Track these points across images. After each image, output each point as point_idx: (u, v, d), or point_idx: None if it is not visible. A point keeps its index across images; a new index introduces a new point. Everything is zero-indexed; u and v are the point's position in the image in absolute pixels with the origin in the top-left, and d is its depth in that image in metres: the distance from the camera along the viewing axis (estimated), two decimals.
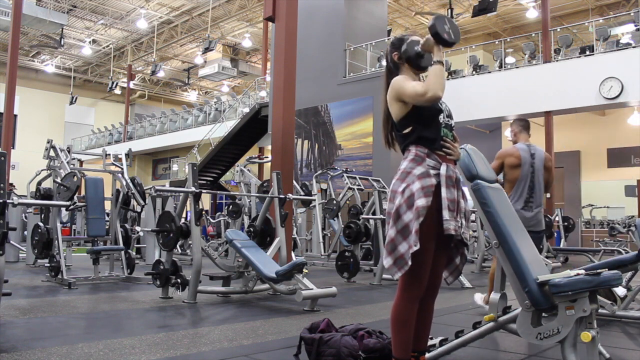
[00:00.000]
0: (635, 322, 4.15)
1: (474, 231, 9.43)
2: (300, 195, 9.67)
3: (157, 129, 25.08)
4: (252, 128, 18.37)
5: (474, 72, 14.70)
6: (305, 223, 11.78)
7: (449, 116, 2.34)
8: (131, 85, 28.28)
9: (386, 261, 2.17)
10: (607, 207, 14.98)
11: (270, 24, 14.52)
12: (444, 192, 2.18)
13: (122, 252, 6.88)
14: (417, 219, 2.11)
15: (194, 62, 27.08)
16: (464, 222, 2.27)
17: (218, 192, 16.95)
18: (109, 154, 8.08)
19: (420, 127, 2.24)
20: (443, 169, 2.21)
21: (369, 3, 16.11)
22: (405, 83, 2.22)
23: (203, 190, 5.36)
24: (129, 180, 7.17)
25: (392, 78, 2.33)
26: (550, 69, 13.21)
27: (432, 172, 2.20)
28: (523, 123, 4.38)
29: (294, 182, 9.42)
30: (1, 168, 3.32)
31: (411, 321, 2.21)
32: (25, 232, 9.36)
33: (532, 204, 4.11)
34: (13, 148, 17.09)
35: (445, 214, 2.17)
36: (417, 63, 2.29)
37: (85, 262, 8.00)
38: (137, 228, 9.62)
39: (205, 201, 20.51)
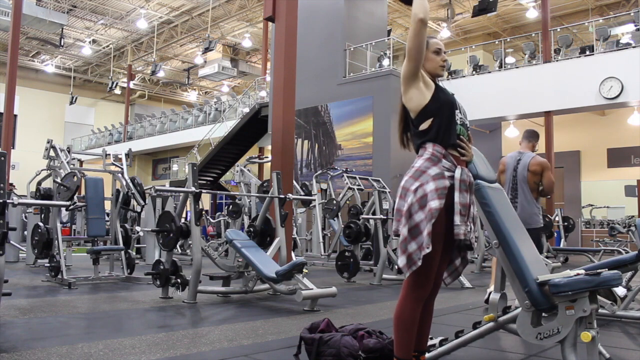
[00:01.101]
0: (635, 322, 4.15)
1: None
2: (300, 195, 9.67)
3: (157, 129, 25.09)
4: (252, 128, 18.37)
5: (474, 72, 14.70)
6: (305, 223, 11.78)
7: (464, 115, 2.35)
8: (131, 85, 28.28)
9: (400, 260, 2.16)
10: (607, 207, 14.98)
11: (270, 24, 14.53)
12: (457, 196, 2.17)
13: (122, 252, 6.88)
14: (429, 221, 2.10)
15: (194, 62, 27.09)
16: (472, 226, 2.26)
17: (218, 192, 16.95)
18: (109, 154, 8.08)
19: (438, 120, 2.23)
20: (458, 173, 2.20)
21: (369, 3, 16.10)
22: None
23: (203, 190, 5.36)
24: (129, 180, 7.17)
25: None
26: (550, 69, 13.22)
27: (446, 173, 2.19)
28: (526, 133, 4.91)
29: (294, 182, 9.42)
30: (1, 168, 3.32)
31: (415, 321, 2.20)
32: (25, 232, 9.35)
33: (516, 205, 4.63)
34: (13, 148, 17.09)
35: (457, 219, 2.16)
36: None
37: (85, 262, 8.00)
38: (137, 228, 9.62)
39: (205, 201, 20.52)
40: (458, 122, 2.28)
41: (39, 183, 8.75)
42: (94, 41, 25.84)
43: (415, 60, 2.23)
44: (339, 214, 10.20)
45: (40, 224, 6.52)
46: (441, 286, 2.40)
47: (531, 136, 4.89)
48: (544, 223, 4.91)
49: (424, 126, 2.26)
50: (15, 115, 20.35)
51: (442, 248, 2.21)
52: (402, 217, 2.18)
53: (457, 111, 2.29)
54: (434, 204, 2.11)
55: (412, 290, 2.20)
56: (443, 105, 2.26)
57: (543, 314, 2.40)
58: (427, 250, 2.09)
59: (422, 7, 2.18)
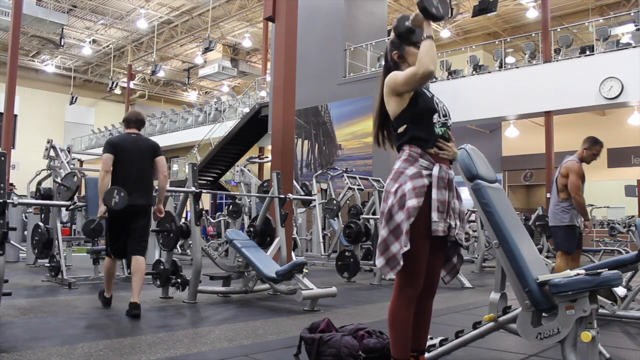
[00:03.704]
0: (635, 322, 4.15)
1: (474, 231, 9.43)
2: (300, 195, 9.67)
3: (157, 129, 25.09)
4: (252, 128, 18.38)
5: (474, 72, 14.70)
6: (305, 223, 11.77)
7: (446, 115, 2.32)
8: (131, 85, 28.28)
9: (378, 261, 2.17)
10: (607, 207, 14.96)
11: (270, 24, 14.53)
12: (434, 193, 2.17)
13: None
14: (407, 220, 2.11)
15: (194, 62, 27.10)
16: (457, 223, 2.25)
17: (218, 192, 16.95)
18: None
19: (413, 126, 2.23)
20: (435, 170, 2.20)
21: (369, 3, 16.11)
22: (398, 73, 2.23)
23: (203, 190, 5.36)
24: None
25: None
26: (550, 69, 13.22)
27: (424, 172, 2.19)
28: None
29: (294, 182, 9.41)
30: (1, 168, 3.32)
31: (409, 321, 2.21)
32: (25, 232, 9.34)
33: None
34: (13, 148, 17.08)
35: (434, 216, 2.16)
36: (408, 38, 2.29)
37: (85, 262, 7.99)
38: None
39: (205, 201, 20.51)
40: (438, 125, 2.26)
41: (39, 183, 8.75)
42: (94, 41, 25.85)
43: (403, 90, 2.21)
44: (339, 214, 10.19)
45: (40, 224, 6.52)
46: (440, 285, 2.40)
47: (583, 142, 5.07)
48: (551, 222, 5.02)
49: (400, 129, 2.27)
50: (15, 115, 20.30)
51: (431, 246, 2.21)
52: (383, 219, 2.19)
53: (436, 115, 2.26)
54: (412, 202, 2.12)
55: (402, 290, 2.20)
56: (420, 113, 2.24)
57: (543, 314, 2.40)
58: (405, 249, 2.09)
59: (433, 58, 2.13)
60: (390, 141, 2.41)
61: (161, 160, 4.57)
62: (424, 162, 2.21)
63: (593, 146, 5.01)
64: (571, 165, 4.96)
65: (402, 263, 2.10)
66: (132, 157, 4.40)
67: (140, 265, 4.33)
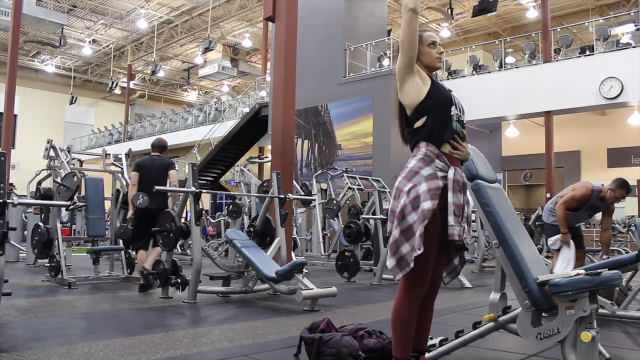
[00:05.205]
0: (635, 322, 4.15)
1: (474, 231, 9.43)
2: (300, 195, 9.67)
3: (157, 129, 25.06)
4: (252, 128, 18.37)
5: (474, 72, 14.70)
6: (305, 223, 11.78)
7: (461, 111, 2.32)
8: (131, 85, 28.28)
9: (389, 262, 2.16)
10: None
11: (270, 24, 14.53)
12: (450, 196, 2.16)
13: (122, 252, 6.88)
14: (422, 222, 2.09)
15: (194, 62, 27.10)
16: (466, 227, 2.25)
17: (218, 192, 16.94)
18: (109, 154, 8.08)
19: (432, 118, 2.21)
20: (451, 173, 2.18)
21: (369, 3, 16.11)
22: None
23: (203, 190, 5.36)
24: (129, 180, 7.17)
25: None
26: (550, 69, 13.22)
27: (439, 174, 2.18)
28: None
29: (294, 182, 9.41)
30: (1, 168, 3.32)
31: (412, 321, 2.20)
32: (25, 232, 9.35)
33: None
34: (13, 148, 17.06)
35: (451, 220, 2.15)
36: None
37: (85, 262, 8.00)
38: None
39: (205, 201, 20.51)
40: (454, 118, 2.26)
41: (39, 183, 8.74)
42: (94, 41, 25.84)
43: (408, 52, 2.20)
44: (339, 214, 10.20)
45: (40, 224, 6.52)
46: (440, 286, 2.40)
47: (612, 182, 4.86)
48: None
49: (418, 124, 2.23)
50: (15, 115, 20.29)
51: (437, 248, 2.20)
52: (395, 219, 2.17)
53: (453, 107, 2.26)
54: (427, 204, 2.10)
55: (408, 291, 2.19)
56: (439, 102, 2.23)
57: (543, 314, 2.40)
58: (419, 252, 2.07)
59: None
60: None
61: (172, 173, 5.87)
62: (440, 163, 2.19)
63: (618, 189, 4.74)
64: (580, 187, 4.89)
65: (412, 265, 2.09)
66: (150, 173, 5.77)
67: (157, 250, 5.55)
